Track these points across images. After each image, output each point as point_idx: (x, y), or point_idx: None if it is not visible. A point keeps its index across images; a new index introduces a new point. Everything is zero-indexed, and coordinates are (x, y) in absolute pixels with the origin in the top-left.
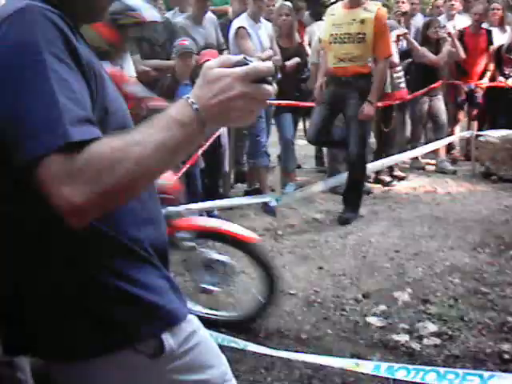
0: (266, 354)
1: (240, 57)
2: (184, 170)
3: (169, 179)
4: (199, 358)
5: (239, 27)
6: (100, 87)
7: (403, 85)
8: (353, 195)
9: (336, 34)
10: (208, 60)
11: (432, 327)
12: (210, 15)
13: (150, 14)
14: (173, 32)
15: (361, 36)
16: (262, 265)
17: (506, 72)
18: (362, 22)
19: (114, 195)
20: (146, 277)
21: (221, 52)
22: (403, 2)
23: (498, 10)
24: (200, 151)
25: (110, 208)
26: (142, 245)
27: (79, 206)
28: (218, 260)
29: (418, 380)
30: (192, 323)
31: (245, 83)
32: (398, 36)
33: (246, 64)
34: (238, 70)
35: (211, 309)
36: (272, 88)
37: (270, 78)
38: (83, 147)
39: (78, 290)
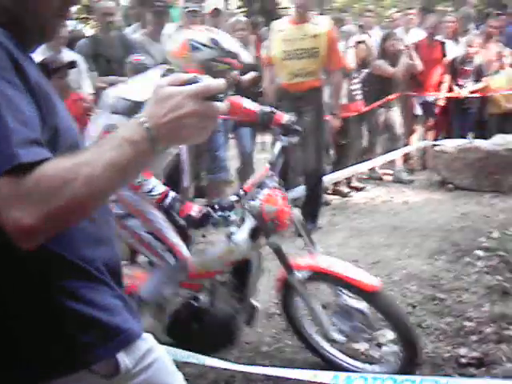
0: (226, 368)
1: (191, 75)
2: None
3: (274, 203)
4: (155, 375)
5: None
6: (49, 107)
7: (359, 96)
8: (311, 207)
9: (289, 51)
10: None
11: (391, 335)
12: (168, 31)
13: (246, 56)
14: (130, 48)
15: (315, 50)
16: (389, 316)
17: (460, 83)
18: (315, 36)
19: (64, 216)
20: (99, 297)
21: None
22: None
23: (452, 22)
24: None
25: (61, 229)
26: (95, 264)
27: (29, 227)
28: (357, 309)
29: None
30: (147, 341)
31: (196, 101)
32: (358, 42)
33: (197, 82)
34: (188, 88)
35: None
36: (223, 105)
37: (221, 95)
38: (32, 169)
39: (32, 312)
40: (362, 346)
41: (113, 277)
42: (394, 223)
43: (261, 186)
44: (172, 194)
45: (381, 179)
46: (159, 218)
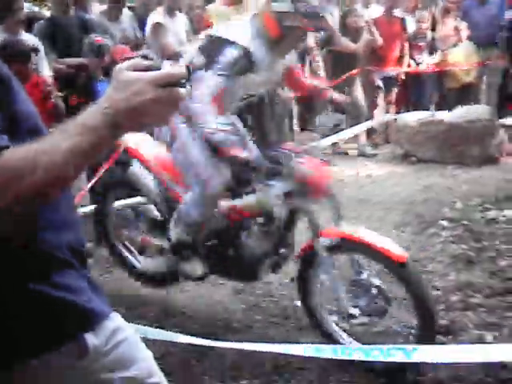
0: (196, 345)
1: (152, 61)
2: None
3: (311, 169)
4: (124, 354)
5: (155, 23)
6: (9, 92)
7: (322, 72)
8: None
9: None
10: (120, 57)
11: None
12: (126, 10)
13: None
14: (88, 28)
15: None
16: (413, 292)
17: (415, 58)
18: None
19: (26, 203)
20: (65, 279)
21: (138, 47)
22: None
23: None
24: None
25: (24, 215)
26: (60, 248)
27: None
28: (377, 286)
29: (344, 358)
30: (115, 320)
31: (157, 87)
32: None
33: (159, 68)
34: (150, 74)
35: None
36: (185, 91)
37: (183, 81)
38: None
39: None
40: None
41: (77, 258)
42: (359, 197)
43: (306, 152)
44: (220, 134)
45: (345, 153)
46: (196, 151)
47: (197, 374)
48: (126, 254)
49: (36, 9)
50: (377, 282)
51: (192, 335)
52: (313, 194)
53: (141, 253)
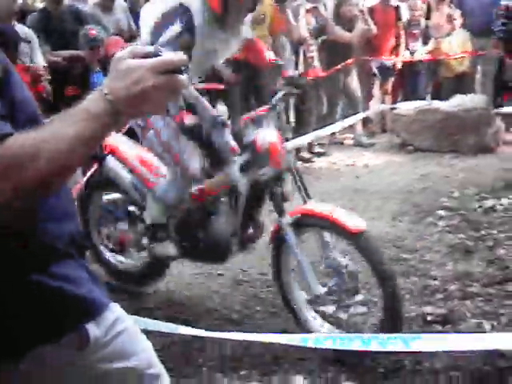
0: (196, 336)
1: (151, 47)
2: None
3: (270, 138)
4: (124, 345)
5: None
6: (6, 79)
7: (316, 63)
8: None
9: None
10: (113, 49)
11: (358, 296)
12: (120, 2)
13: None
14: (81, 20)
15: (262, 17)
16: (371, 261)
17: (410, 46)
18: (260, 2)
19: (29, 192)
20: (65, 269)
21: (132, 39)
22: None
23: None
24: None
25: (27, 204)
26: (61, 238)
27: None
28: (346, 266)
29: (344, 347)
30: (115, 311)
31: (157, 74)
32: (308, 10)
33: (159, 55)
34: (150, 61)
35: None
36: (185, 78)
37: (183, 68)
38: None
39: None
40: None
41: (77, 249)
42: (356, 186)
43: (258, 123)
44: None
45: (342, 144)
46: (171, 134)
47: (196, 365)
48: (107, 253)
49: (30, 0)
50: (345, 261)
51: (191, 326)
52: (273, 163)
53: (120, 251)
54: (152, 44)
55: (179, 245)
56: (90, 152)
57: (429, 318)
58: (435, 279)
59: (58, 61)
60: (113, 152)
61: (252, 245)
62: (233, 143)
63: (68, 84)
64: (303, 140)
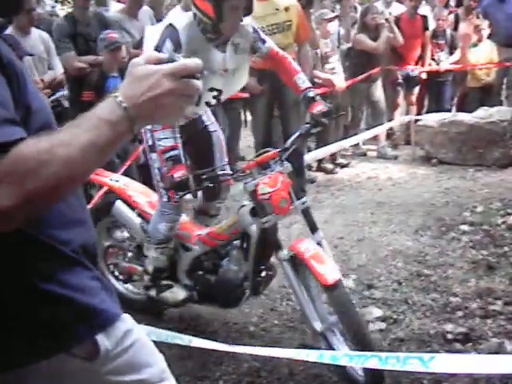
0: (213, 349)
1: (167, 54)
2: (127, 165)
3: (271, 186)
4: (135, 357)
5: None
6: (21, 86)
7: (339, 71)
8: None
9: (262, 28)
10: None
11: (377, 312)
12: (145, 8)
13: None
14: (107, 26)
15: (288, 24)
16: (340, 315)
17: (435, 57)
18: (287, 9)
19: (42, 198)
20: (76, 278)
21: None
22: None
23: None
24: (141, 147)
25: (39, 211)
26: (71, 246)
27: (6, 209)
28: None
29: (360, 365)
30: (126, 322)
31: (173, 80)
32: (328, 20)
33: (174, 60)
34: (166, 66)
35: None
36: (200, 83)
37: (198, 74)
38: (8, 149)
39: (8, 296)
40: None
41: (89, 258)
42: (379, 199)
43: (266, 167)
44: (174, 152)
45: (365, 155)
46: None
47: (212, 379)
48: (112, 280)
49: (58, 6)
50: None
51: (208, 339)
52: (276, 211)
53: (127, 281)
54: None
55: (190, 289)
56: (104, 159)
57: (449, 336)
58: (457, 296)
59: (84, 67)
60: (122, 196)
61: (265, 289)
62: (228, 172)
63: (84, 89)
64: (326, 151)
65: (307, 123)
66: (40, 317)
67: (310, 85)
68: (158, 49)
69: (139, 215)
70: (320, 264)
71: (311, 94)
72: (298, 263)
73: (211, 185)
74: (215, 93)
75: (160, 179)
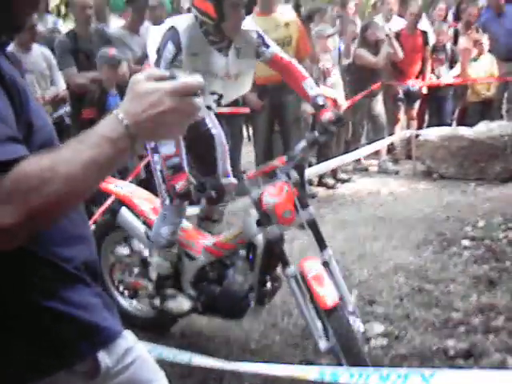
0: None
1: (168, 71)
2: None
3: (276, 196)
4: (136, 374)
5: None
6: (23, 103)
7: (340, 87)
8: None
9: None
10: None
11: (379, 328)
12: (147, 24)
13: None
14: (108, 42)
15: (288, 39)
16: (338, 338)
17: (435, 71)
18: (287, 25)
19: (44, 215)
20: (77, 295)
21: None
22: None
23: (441, 10)
24: (143, 163)
25: (41, 228)
26: (73, 263)
27: (8, 227)
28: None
29: (361, 382)
30: (128, 339)
31: (174, 98)
32: (328, 36)
33: (174, 78)
34: (167, 84)
35: None
36: (201, 101)
37: (199, 92)
38: (10, 167)
39: (9, 313)
40: None
41: (91, 275)
42: (380, 214)
43: (272, 176)
44: (175, 160)
45: (366, 170)
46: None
47: None
48: (118, 296)
49: (60, 22)
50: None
51: (208, 355)
52: (281, 221)
53: (132, 297)
54: (158, 61)
55: (195, 300)
56: (106, 175)
57: (451, 351)
58: (458, 311)
59: (85, 83)
60: (127, 203)
61: (270, 301)
62: (232, 180)
63: (85, 106)
64: (327, 166)
65: (314, 131)
66: (42, 334)
67: (319, 91)
68: (160, 52)
69: (144, 223)
70: (320, 286)
71: (321, 100)
72: (304, 280)
73: (215, 194)
74: (216, 96)
75: (162, 181)
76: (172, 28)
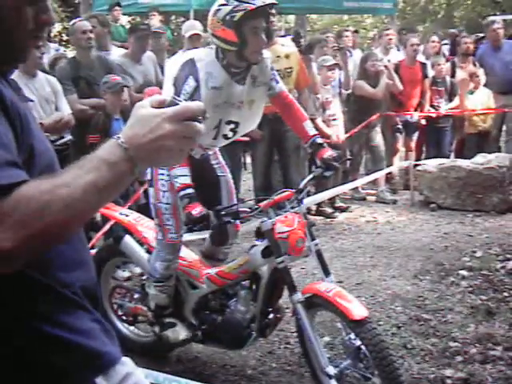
0: None
1: (170, 97)
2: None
3: (288, 225)
4: None
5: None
6: (24, 127)
7: (339, 119)
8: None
9: None
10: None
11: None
12: (149, 53)
13: None
14: (110, 70)
15: (288, 70)
16: (371, 348)
17: (435, 103)
18: (287, 56)
19: (44, 239)
20: (76, 321)
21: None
22: (347, 37)
23: (436, 42)
24: (142, 188)
25: (41, 252)
26: (72, 288)
27: (8, 251)
28: (360, 349)
29: None
30: (126, 365)
31: (175, 122)
32: (329, 67)
33: (176, 104)
34: (168, 109)
35: None
36: (202, 126)
37: (200, 117)
38: (10, 191)
39: (7, 338)
40: None
41: (90, 300)
42: (378, 243)
43: (280, 207)
44: (188, 190)
45: (364, 199)
46: (166, 200)
47: None
48: (117, 322)
49: (62, 49)
50: (359, 342)
51: (205, 382)
52: (292, 251)
53: (132, 323)
54: (176, 94)
55: (196, 328)
56: (107, 199)
57: (448, 381)
58: (456, 341)
59: (85, 109)
60: (131, 231)
61: (272, 332)
62: (247, 209)
63: (90, 132)
64: (325, 195)
65: (318, 167)
66: (41, 360)
67: (316, 132)
68: (177, 84)
69: (148, 251)
70: (345, 300)
71: (320, 140)
72: (311, 306)
73: (232, 220)
74: (232, 125)
75: (155, 215)
76: (191, 61)
